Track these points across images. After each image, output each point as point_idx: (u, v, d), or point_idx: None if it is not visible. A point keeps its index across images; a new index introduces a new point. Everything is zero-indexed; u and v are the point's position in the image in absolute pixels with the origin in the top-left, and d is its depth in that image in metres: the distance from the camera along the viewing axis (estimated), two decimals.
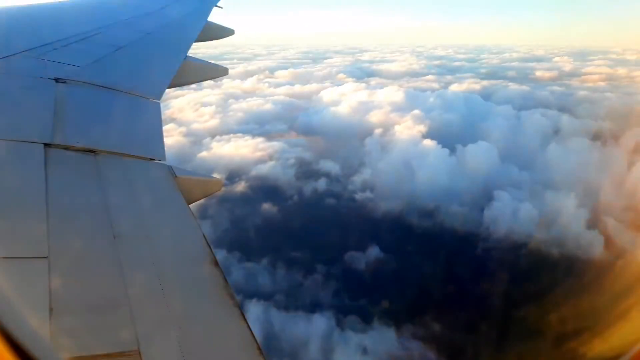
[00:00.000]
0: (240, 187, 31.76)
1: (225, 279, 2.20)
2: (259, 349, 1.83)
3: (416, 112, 45.80)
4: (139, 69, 5.24)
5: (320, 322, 17.92)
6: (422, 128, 40.98)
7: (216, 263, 2.31)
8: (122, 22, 6.49)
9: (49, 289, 1.77)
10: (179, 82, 5.45)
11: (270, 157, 37.08)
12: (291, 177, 33.62)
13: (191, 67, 5.74)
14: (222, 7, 9.40)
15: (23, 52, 4.35)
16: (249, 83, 70.81)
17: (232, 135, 41.73)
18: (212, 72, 6.41)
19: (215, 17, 8.33)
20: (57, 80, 3.90)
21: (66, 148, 2.96)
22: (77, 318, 1.77)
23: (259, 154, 37.81)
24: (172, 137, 40.42)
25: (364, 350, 17.10)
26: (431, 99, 52.78)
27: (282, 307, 18.78)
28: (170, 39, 6.67)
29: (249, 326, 1.92)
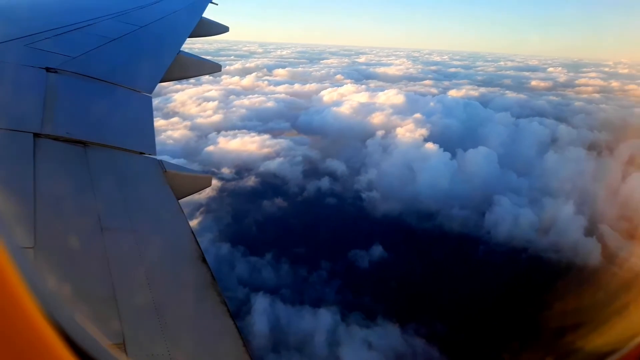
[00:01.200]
0: (248, 182, 32.25)
1: (212, 275, 2.21)
2: (245, 345, 1.85)
3: (417, 115, 46.29)
4: (132, 62, 5.25)
5: (325, 317, 18.24)
6: (423, 131, 41.43)
7: (203, 259, 2.32)
8: (116, 14, 6.50)
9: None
10: (171, 76, 5.46)
11: (277, 154, 37.51)
12: (298, 174, 34.03)
13: (184, 62, 5.75)
14: (217, 4, 9.46)
15: (14, 40, 4.35)
16: (248, 80, 71.22)
17: (237, 131, 42.30)
18: (205, 68, 6.43)
19: (210, 13, 8.39)
20: (48, 69, 3.89)
21: (55, 139, 2.96)
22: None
23: (265, 150, 38.28)
24: (177, 131, 41.06)
25: (369, 346, 17.34)
26: (431, 104, 53.32)
27: (288, 301, 19.10)
28: (164, 33, 6.68)
29: (234, 322, 1.94)
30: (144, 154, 3.38)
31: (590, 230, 25.53)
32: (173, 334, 1.81)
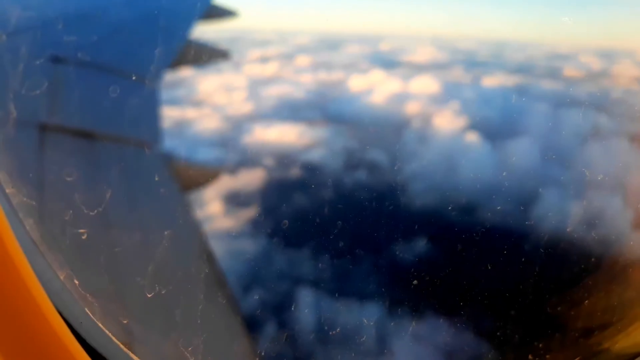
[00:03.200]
0: (288, 173, 32.08)
1: (219, 270, 2.26)
2: (251, 341, 1.90)
3: (454, 104, 45.41)
4: (139, 50, 5.32)
5: (371, 310, 18.00)
6: (461, 121, 40.65)
7: (209, 254, 2.37)
8: (123, 1, 6.60)
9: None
10: (179, 64, 5.54)
11: (316, 144, 37.21)
12: (337, 165, 33.66)
13: (192, 49, 5.83)
14: None
15: (20, 28, 4.44)
16: (271, 69, 70.82)
17: (270, 120, 42.12)
18: (214, 54, 6.52)
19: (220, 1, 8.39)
20: (53, 58, 3.97)
21: (61, 129, 3.04)
22: None
23: (303, 140, 37.98)
24: (211, 121, 41.02)
25: (419, 339, 17.13)
26: (467, 93, 52.31)
27: (331, 295, 18.92)
28: (172, 19, 6.76)
29: (242, 317, 1.99)
30: (151, 144, 3.43)
31: (639, 224, 24.91)
32: (179, 330, 1.86)
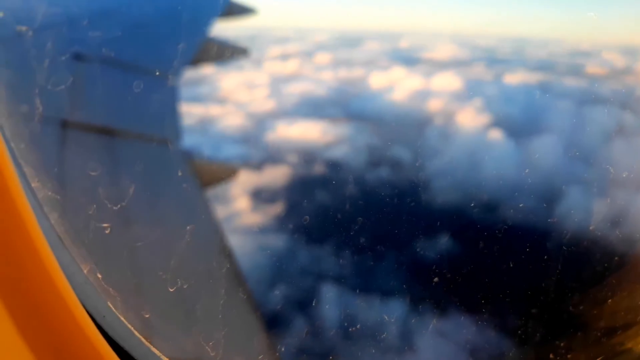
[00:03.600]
0: (313, 170, 32.18)
1: (237, 267, 2.26)
2: (271, 337, 1.90)
3: (476, 101, 45.04)
4: (159, 47, 5.37)
5: (395, 307, 17.95)
6: (485, 118, 40.34)
7: (228, 251, 2.38)
8: None
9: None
10: (199, 61, 5.57)
11: (339, 142, 37.28)
12: (360, 162, 33.65)
13: (212, 46, 5.86)
14: None
15: (42, 25, 4.50)
16: (292, 66, 70.84)
17: (294, 117, 42.31)
18: (233, 51, 6.56)
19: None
20: (77, 55, 4.02)
21: (82, 126, 3.07)
22: None
23: (326, 137, 38.06)
24: (234, 118, 41.31)
25: (442, 336, 17.05)
26: (489, 90, 51.91)
27: (355, 291, 18.97)
28: (192, 17, 6.81)
29: (260, 315, 1.99)
30: (171, 141, 3.45)
31: None
32: (199, 325, 1.86)
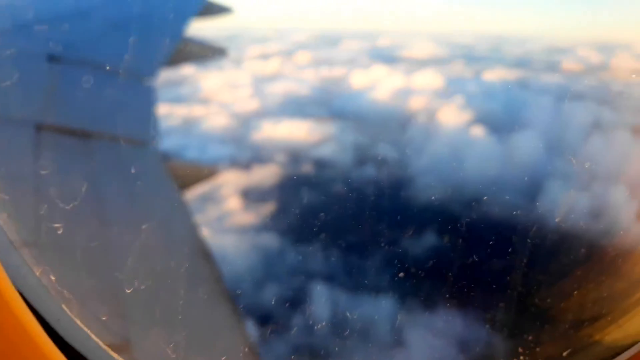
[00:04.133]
0: (302, 168, 31.97)
1: (216, 268, 2.24)
2: (249, 341, 1.88)
3: (457, 98, 45.11)
4: (134, 48, 5.31)
5: (384, 303, 17.91)
6: (466, 115, 40.40)
7: (206, 253, 2.35)
8: (119, 0, 6.58)
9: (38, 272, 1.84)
10: (176, 61, 5.53)
11: (325, 140, 37.05)
12: (345, 161, 33.48)
13: (189, 46, 5.82)
14: None
15: (15, 27, 4.43)
16: (272, 65, 70.79)
17: (278, 116, 41.93)
18: (211, 51, 6.52)
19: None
20: (50, 57, 3.96)
21: (57, 128, 3.03)
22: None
23: (313, 136, 37.75)
24: (219, 118, 40.89)
25: (433, 331, 17.10)
26: (470, 87, 52.12)
27: (344, 289, 18.88)
28: (168, 17, 6.75)
29: (240, 317, 1.97)
30: (147, 142, 3.42)
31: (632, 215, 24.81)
32: (177, 329, 1.84)
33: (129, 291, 1.86)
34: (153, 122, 3.88)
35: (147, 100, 4.21)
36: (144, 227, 2.37)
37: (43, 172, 2.49)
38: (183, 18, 6.52)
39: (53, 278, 1.45)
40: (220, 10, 8.20)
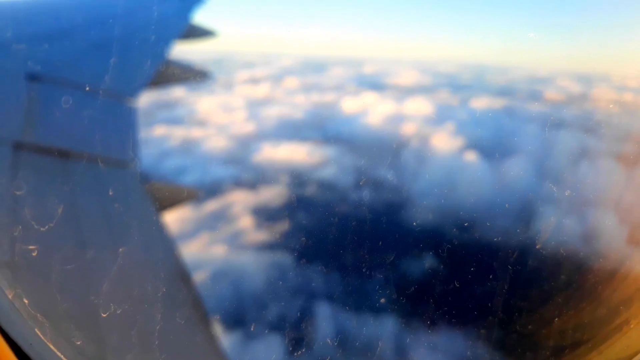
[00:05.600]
0: (307, 190, 31.87)
1: (195, 290, 2.22)
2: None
3: (448, 125, 45.62)
4: (117, 68, 5.31)
5: (386, 323, 17.76)
6: (458, 141, 40.86)
7: (185, 275, 2.33)
8: (101, 20, 6.59)
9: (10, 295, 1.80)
10: (159, 82, 5.53)
11: (326, 163, 37.10)
12: (341, 184, 33.56)
13: (170, 68, 5.84)
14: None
15: None
16: (263, 90, 71.10)
17: (277, 139, 41.98)
18: (192, 74, 6.54)
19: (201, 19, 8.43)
20: (30, 76, 3.95)
21: (36, 148, 3.00)
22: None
23: (313, 159, 37.78)
24: (218, 140, 40.77)
25: (435, 351, 16.97)
26: (459, 114, 52.90)
27: (345, 309, 18.72)
28: (151, 38, 6.77)
29: (215, 339, 1.95)
30: (127, 163, 3.40)
31: (634, 239, 25.22)
32: (134, 352, 1.81)
33: (104, 315, 1.83)
34: (133, 143, 3.86)
35: (127, 121, 4.19)
36: (121, 249, 2.34)
37: (18, 193, 2.46)
38: (165, 40, 6.55)
39: (26, 301, 1.42)
40: (204, 33, 8.25)
